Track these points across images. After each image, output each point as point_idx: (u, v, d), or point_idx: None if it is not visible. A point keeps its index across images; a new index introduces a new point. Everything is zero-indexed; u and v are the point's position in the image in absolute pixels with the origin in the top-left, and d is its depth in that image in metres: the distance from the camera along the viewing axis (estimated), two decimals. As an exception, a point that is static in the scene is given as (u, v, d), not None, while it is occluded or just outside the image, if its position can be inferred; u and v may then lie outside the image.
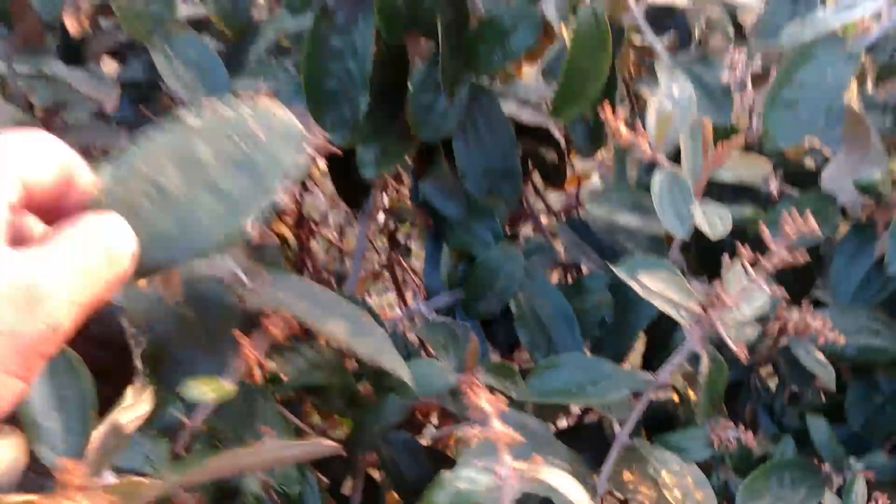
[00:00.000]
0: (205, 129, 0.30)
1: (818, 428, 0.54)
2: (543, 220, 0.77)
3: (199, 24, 0.72)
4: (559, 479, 0.36)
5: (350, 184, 0.70)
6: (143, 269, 0.28)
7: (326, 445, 0.34)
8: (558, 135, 0.72)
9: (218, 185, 0.29)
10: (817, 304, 0.58)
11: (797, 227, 0.47)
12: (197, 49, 0.64)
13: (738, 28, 0.67)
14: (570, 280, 0.69)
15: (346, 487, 0.55)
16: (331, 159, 0.66)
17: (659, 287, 0.48)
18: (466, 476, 0.35)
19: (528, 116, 0.70)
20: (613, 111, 0.52)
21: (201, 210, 0.29)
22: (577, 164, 0.81)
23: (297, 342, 0.46)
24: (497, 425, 0.35)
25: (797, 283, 0.62)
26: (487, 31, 0.60)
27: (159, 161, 0.29)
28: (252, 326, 0.44)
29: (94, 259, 0.26)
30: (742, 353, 0.46)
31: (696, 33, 0.67)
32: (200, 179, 0.29)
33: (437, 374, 0.48)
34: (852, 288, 0.58)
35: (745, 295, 0.47)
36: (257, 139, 0.30)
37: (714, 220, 0.51)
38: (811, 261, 0.52)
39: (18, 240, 0.26)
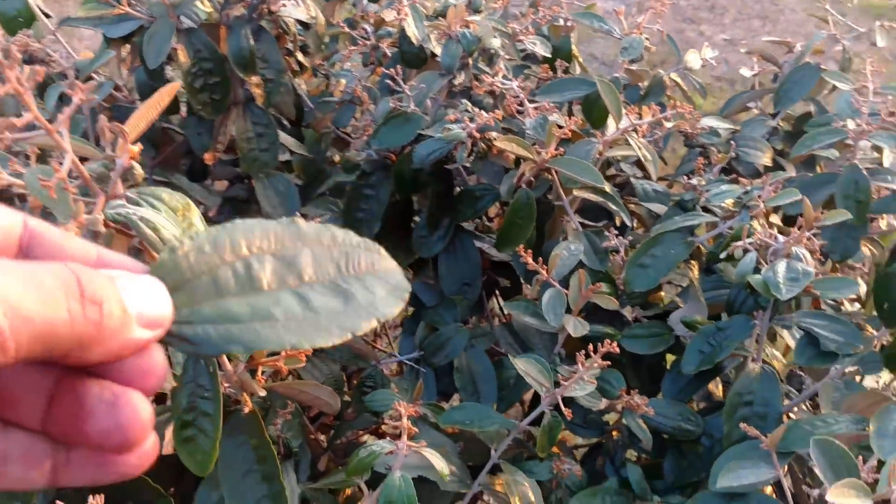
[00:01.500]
0: (313, 238, 0.29)
1: (633, 471, 0.83)
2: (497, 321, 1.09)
3: (287, 165, 1.09)
4: (434, 456, 0.66)
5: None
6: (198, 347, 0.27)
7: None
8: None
9: (307, 295, 0.28)
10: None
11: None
12: (284, 184, 1.00)
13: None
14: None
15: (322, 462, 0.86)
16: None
17: (531, 372, 0.79)
18: (378, 445, 0.66)
19: (496, 253, 1.04)
20: (534, 256, 0.85)
21: (279, 310, 0.28)
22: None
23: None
24: (405, 423, 0.66)
25: (650, 379, 0.92)
26: (465, 196, 0.95)
27: (259, 243, 0.29)
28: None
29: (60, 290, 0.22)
30: (569, 413, 0.76)
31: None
32: (292, 281, 0.28)
33: (387, 399, 0.80)
34: (677, 389, 0.87)
35: (580, 381, 0.78)
36: (361, 274, 0.30)
37: (576, 326, 0.82)
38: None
39: None
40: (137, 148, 0.57)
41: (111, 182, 0.56)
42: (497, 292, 1.08)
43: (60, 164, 0.54)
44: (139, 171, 0.57)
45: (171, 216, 0.56)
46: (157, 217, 0.54)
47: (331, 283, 0.29)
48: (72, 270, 0.22)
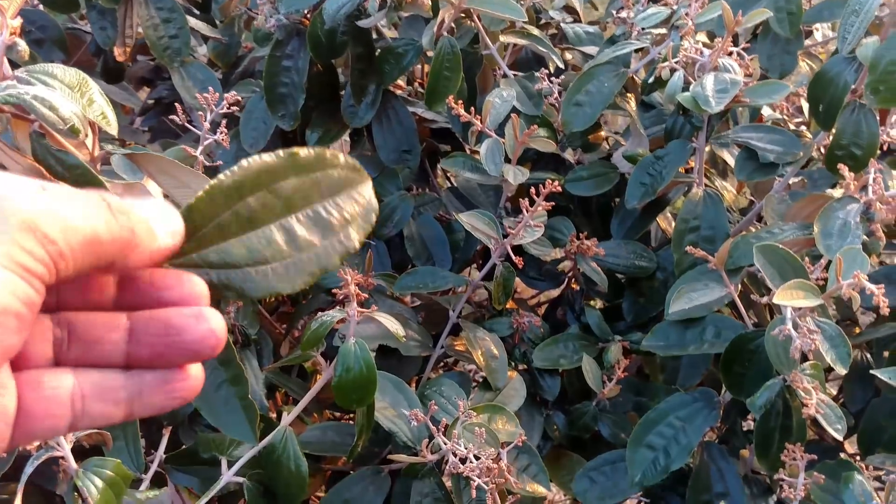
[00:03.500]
0: (303, 164, 0.30)
1: (592, 314, 0.84)
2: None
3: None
4: (386, 319, 0.65)
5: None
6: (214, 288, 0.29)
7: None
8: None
9: (293, 228, 0.30)
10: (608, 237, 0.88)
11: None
12: (203, 71, 0.94)
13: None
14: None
15: (284, 347, 0.86)
16: (284, 142, 0.97)
17: (478, 225, 0.78)
18: (328, 314, 0.65)
19: (430, 116, 1.00)
20: (467, 109, 0.82)
21: (270, 250, 0.29)
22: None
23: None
24: (353, 289, 0.65)
25: (601, 224, 0.92)
26: (387, 55, 0.90)
27: (256, 180, 0.29)
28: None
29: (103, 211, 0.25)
30: (519, 261, 0.75)
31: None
32: (280, 212, 0.29)
33: (336, 275, 0.78)
34: (626, 228, 0.87)
35: (528, 228, 0.77)
36: (342, 206, 0.30)
37: (516, 174, 0.80)
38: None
39: None
40: (18, 23, 0.52)
41: (-5, 67, 0.52)
42: (439, 160, 1.06)
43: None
44: (24, 47, 0.53)
45: (68, 93, 0.52)
46: (52, 95, 0.50)
47: (314, 213, 0.30)
48: (97, 191, 0.26)
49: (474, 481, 0.63)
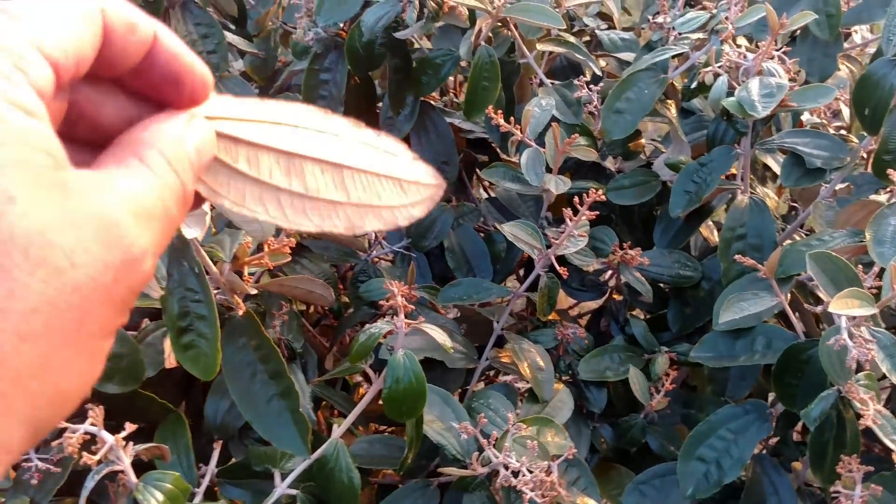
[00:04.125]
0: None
1: (637, 325, 0.83)
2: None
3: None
4: (433, 330, 0.65)
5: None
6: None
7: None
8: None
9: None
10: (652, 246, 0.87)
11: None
12: (240, 85, 0.95)
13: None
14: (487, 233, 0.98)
15: (329, 361, 0.86)
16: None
17: (521, 235, 0.77)
18: (376, 326, 0.65)
19: (467, 127, 1.00)
20: (506, 118, 0.81)
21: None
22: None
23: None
24: (400, 301, 0.65)
25: (644, 234, 0.91)
26: (425, 65, 0.90)
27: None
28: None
29: (176, 178, 0.24)
30: (564, 271, 0.75)
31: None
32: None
33: (380, 288, 0.78)
34: (669, 237, 0.86)
35: (571, 238, 0.76)
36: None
37: (558, 184, 0.80)
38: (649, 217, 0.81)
39: (78, 129, 0.25)
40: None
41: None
42: (477, 171, 1.05)
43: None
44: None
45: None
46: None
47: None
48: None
49: (526, 494, 0.62)
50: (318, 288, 0.72)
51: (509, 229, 0.76)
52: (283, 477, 0.62)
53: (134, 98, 0.26)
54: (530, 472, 0.61)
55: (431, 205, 0.31)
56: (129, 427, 0.53)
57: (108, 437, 0.51)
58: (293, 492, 0.62)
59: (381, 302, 0.65)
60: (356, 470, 0.62)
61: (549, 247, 0.76)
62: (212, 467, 0.63)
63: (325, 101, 0.91)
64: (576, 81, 0.86)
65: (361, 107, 0.95)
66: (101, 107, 0.25)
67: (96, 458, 0.51)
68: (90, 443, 0.52)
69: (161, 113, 0.26)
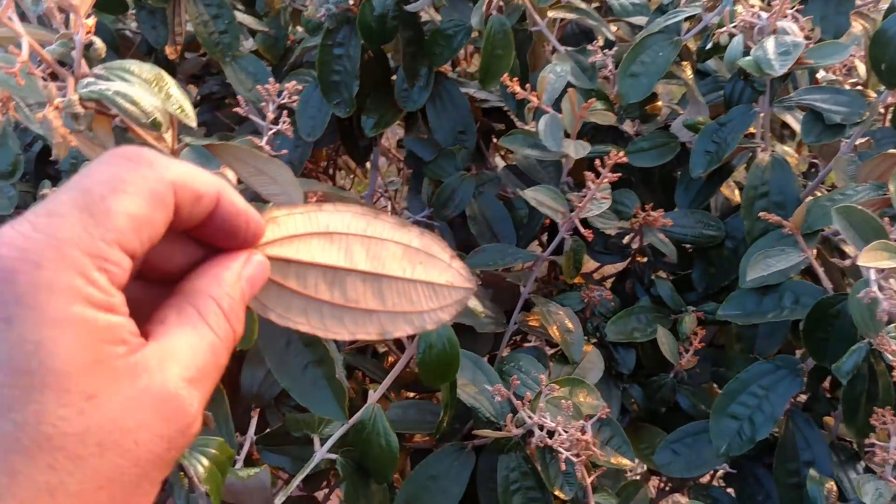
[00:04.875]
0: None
1: (663, 286, 0.83)
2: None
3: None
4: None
5: (356, 147, 1.01)
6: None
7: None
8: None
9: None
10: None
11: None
12: (253, 64, 0.95)
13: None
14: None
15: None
16: (341, 129, 0.97)
17: (544, 200, 0.77)
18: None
19: (481, 96, 1.00)
20: (521, 86, 0.81)
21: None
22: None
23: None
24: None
25: (665, 195, 0.91)
26: (437, 37, 0.90)
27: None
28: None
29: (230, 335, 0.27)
30: (589, 234, 0.75)
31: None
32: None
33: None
34: (691, 197, 0.86)
35: (594, 201, 0.76)
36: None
37: (577, 148, 0.80)
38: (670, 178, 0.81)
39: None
40: (92, 21, 0.53)
41: (75, 62, 0.52)
42: (495, 139, 1.05)
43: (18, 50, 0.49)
44: (100, 44, 0.53)
45: (146, 87, 0.52)
46: (132, 90, 0.51)
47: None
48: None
49: (562, 454, 0.62)
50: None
51: (532, 194, 0.76)
52: (322, 442, 0.63)
53: (196, 242, 0.29)
54: (566, 431, 0.61)
55: (461, 308, 0.33)
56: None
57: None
58: (333, 456, 0.62)
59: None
60: (393, 434, 0.62)
61: (572, 210, 0.76)
62: (250, 434, 0.63)
63: (340, 75, 0.91)
64: (589, 47, 0.86)
65: (376, 81, 0.95)
66: (167, 256, 0.28)
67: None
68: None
69: (219, 256, 0.29)
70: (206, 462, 0.52)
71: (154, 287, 0.28)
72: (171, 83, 0.54)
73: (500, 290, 0.82)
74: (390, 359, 0.84)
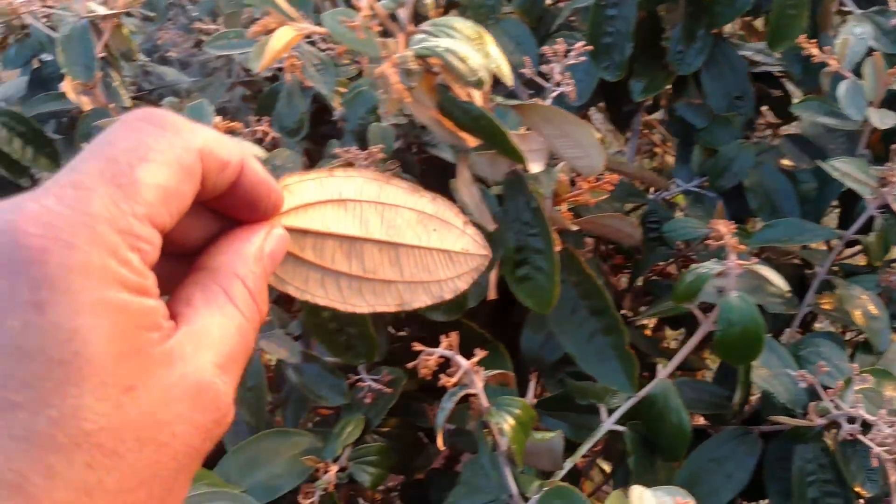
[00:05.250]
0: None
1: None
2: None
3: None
4: (767, 271, 0.61)
5: (619, 112, 0.98)
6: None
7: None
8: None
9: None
10: None
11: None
12: (516, 28, 0.94)
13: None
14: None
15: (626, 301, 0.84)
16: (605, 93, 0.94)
17: (852, 172, 0.70)
18: (705, 266, 0.61)
19: (761, 59, 0.93)
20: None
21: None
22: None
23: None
24: (729, 240, 0.61)
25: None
26: (722, -4, 0.84)
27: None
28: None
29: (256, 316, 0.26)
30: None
31: None
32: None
33: (691, 226, 0.75)
34: None
35: (912, 172, 0.68)
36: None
37: (883, 117, 0.72)
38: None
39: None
40: (426, -23, 0.53)
41: (404, 18, 0.53)
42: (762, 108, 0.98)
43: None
44: (430, 0, 0.54)
45: (470, 44, 0.52)
46: (461, 47, 0.51)
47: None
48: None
49: (874, 449, 0.57)
50: (627, 227, 0.70)
51: (839, 165, 0.70)
52: (610, 413, 0.61)
53: (214, 213, 0.27)
54: (889, 427, 0.56)
55: (476, 275, 0.32)
56: (479, 353, 0.54)
57: (463, 362, 0.53)
58: (619, 428, 0.61)
59: (709, 241, 0.62)
60: (686, 412, 0.60)
61: (883, 185, 0.69)
62: (529, 398, 0.63)
63: (612, 36, 0.87)
64: (892, 7, 0.77)
65: (646, 42, 0.91)
66: (186, 229, 0.26)
67: (453, 380, 0.52)
68: (444, 366, 0.53)
69: (239, 230, 0.27)
70: (511, 421, 0.53)
71: (169, 261, 0.25)
72: (489, 41, 0.54)
73: (776, 269, 0.76)
74: (646, 332, 0.81)
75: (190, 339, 0.23)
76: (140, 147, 0.23)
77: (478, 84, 0.51)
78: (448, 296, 0.31)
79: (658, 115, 1.16)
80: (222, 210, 0.27)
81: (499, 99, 0.58)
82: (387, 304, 0.31)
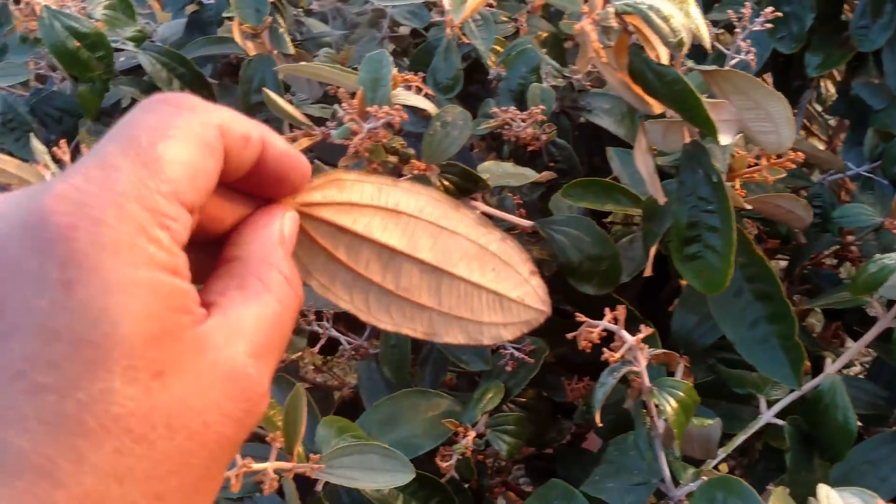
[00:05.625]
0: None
1: None
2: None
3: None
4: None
5: (788, 87, 0.92)
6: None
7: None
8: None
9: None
10: None
11: None
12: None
13: None
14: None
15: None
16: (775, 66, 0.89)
17: None
18: (891, 257, 0.57)
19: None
20: None
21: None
22: None
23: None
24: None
25: None
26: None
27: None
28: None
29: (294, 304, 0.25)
30: None
31: None
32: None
33: (865, 213, 0.69)
34: None
35: None
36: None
37: None
38: None
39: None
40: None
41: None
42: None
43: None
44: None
45: (672, 3, 0.49)
46: (665, 6, 0.48)
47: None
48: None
49: None
50: (800, 209, 0.65)
51: None
52: (769, 405, 0.58)
53: (238, 193, 0.27)
54: None
55: (526, 329, 0.30)
56: (646, 330, 0.52)
57: (628, 337, 0.51)
58: (778, 422, 0.58)
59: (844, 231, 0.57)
60: (853, 411, 0.56)
61: None
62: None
63: (791, 5, 0.82)
64: None
65: (825, 14, 0.84)
66: (220, 213, 0.26)
67: (617, 355, 0.50)
68: (608, 340, 0.52)
69: (260, 215, 0.26)
70: (674, 403, 0.51)
71: (198, 252, 0.25)
72: (690, 1, 0.51)
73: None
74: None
75: (222, 327, 0.23)
76: (160, 126, 0.22)
77: (678, 45, 0.49)
78: (486, 342, 0.29)
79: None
80: (252, 190, 0.27)
81: (689, 63, 0.55)
82: (414, 329, 0.29)
